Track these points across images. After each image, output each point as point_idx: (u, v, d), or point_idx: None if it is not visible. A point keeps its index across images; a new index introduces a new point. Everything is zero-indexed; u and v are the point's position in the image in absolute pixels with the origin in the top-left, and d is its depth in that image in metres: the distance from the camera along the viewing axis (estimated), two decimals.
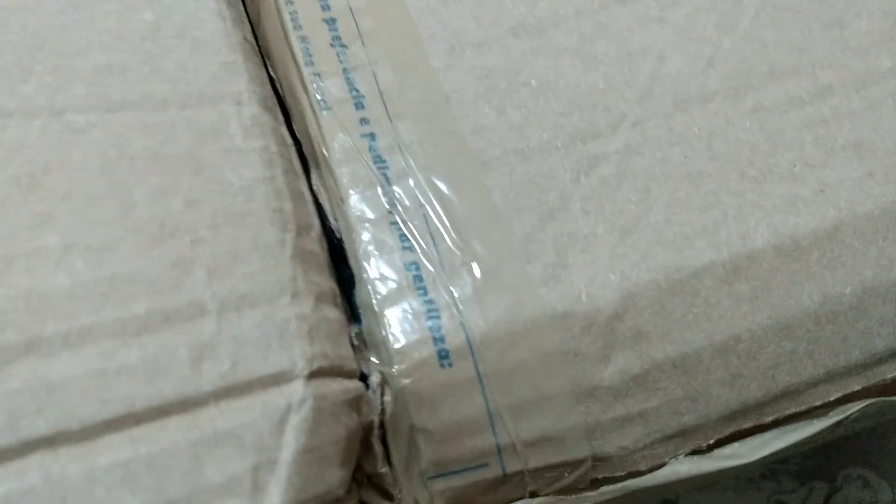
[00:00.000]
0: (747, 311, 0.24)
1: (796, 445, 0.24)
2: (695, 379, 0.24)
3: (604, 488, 0.24)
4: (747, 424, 0.24)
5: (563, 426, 0.23)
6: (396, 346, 0.23)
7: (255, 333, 0.22)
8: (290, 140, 0.26)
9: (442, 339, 0.23)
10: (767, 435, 0.24)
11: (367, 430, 0.24)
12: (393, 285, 0.24)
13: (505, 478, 0.24)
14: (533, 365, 0.23)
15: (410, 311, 0.24)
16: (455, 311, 0.23)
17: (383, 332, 0.23)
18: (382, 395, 0.24)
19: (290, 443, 0.21)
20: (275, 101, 0.27)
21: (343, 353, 0.23)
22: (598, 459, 0.24)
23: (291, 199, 0.24)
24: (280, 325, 0.22)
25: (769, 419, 0.24)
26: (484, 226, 0.24)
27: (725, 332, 0.24)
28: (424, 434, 0.23)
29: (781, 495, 0.51)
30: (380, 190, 0.25)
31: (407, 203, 0.25)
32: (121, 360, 0.21)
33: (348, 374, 0.23)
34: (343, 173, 0.25)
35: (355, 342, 0.24)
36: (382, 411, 0.23)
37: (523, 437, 0.23)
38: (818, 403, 0.24)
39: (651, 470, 0.24)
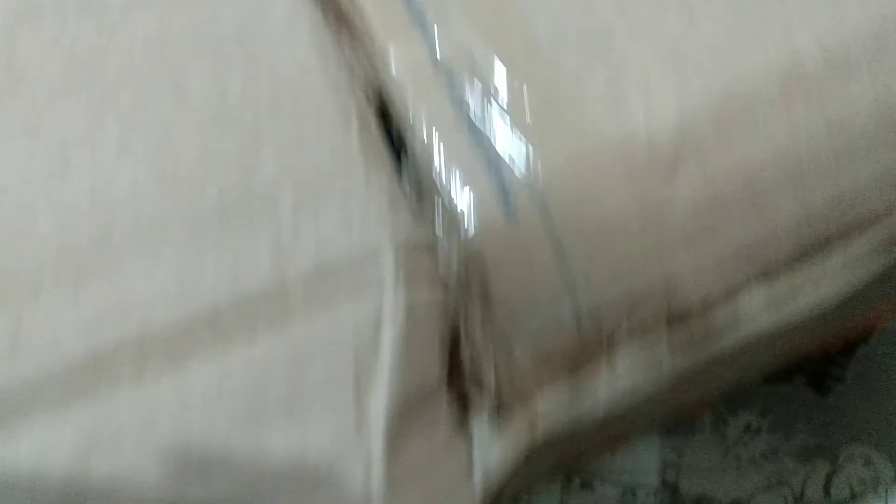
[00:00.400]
0: (803, 117, 0.24)
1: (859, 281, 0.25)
2: (759, 192, 0.24)
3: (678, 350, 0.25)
4: (810, 236, 0.25)
5: (633, 253, 0.24)
6: (459, 197, 0.23)
7: (333, 217, 0.21)
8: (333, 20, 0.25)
9: (506, 191, 0.23)
10: (833, 262, 0.25)
11: (455, 312, 0.23)
12: (451, 145, 0.24)
13: (581, 319, 0.24)
14: (599, 197, 0.23)
15: (471, 168, 0.23)
16: (517, 159, 0.23)
17: (445, 186, 0.23)
18: (452, 261, 0.23)
19: (386, 339, 0.21)
20: None
21: (421, 229, 0.23)
22: (670, 286, 0.24)
23: (348, 74, 0.23)
24: (359, 206, 0.21)
25: (831, 228, 0.25)
26: (532, 67, 0.24)
27: (785, 139, 0.24)
28: (498, 287, 0.23)
29: (783, 474, 0.52)
30: (419, 33, 0.25)
31: (450, 46, 0.24)
32: (197, 263, 0.20)
33: (430, 249, 0.23)
34: (378, 25, 0.25)
35: (419, 212, 0.24)
36: (456, 276, 0.23)
37: (595, 270, 0.24)
38: (878, 207, 0.25)
39: (727, 293, 0.25)
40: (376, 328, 0.20)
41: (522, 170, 0.23)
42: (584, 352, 0.24)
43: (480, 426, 0.23)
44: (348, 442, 0.19)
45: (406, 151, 0.24)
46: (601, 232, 0.24)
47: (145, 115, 0.21)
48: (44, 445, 0.18)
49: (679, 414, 0.47)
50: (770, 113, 0.24)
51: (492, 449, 0.23)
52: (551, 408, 0.24)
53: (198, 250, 0.20)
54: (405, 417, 0.20)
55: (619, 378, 0.24)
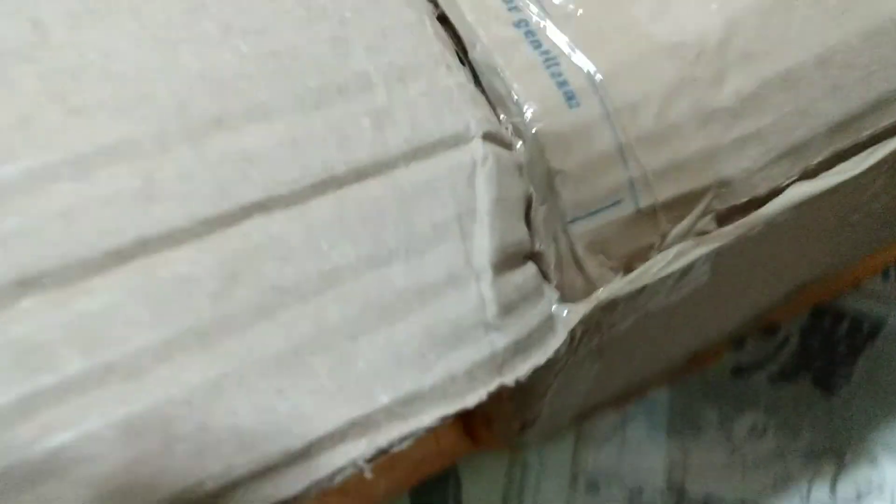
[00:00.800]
0: (839, 24, 0.26)
1: (890, 157, 0.26)
2: (801, 93, 0.25)
3: (727, 228, 0.25)
4: (848, 141, 0.26)
5: (688, 152, 0.25)
6: (523, 95, 0.24)
7: (423, 101, 0.22)
8: None
9: (565, 83, 0.24)
10: (866, 151, 0.26)
11: (529, 199, 0.24)
12: (507, 44, 0.25)
13: (638, 213, 0.25)
14: (654, 95, 0.25)
15: (529, 64, 0.25)
16: (572, 55, 0.25)
17: (507, 87, 0.24)
18: (516, 145, 0.24)
19: (482, 194, 0.22)
20: None
21: (499, 125, 0.24)
22: (721, 185, 0.25)
23: None
24: (445, 92, 0.23)
25: (866, 133, 0.26)
26: None
27: (823, 45, 0.26)
28: (561, 175, 0.24)
29: (789, 474, 0.52)
30: None
31: None
32: (308, 130, 0.21)
33: (507, 144, 0.24)
34: None
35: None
36: (523, 164, 0.24)
37: (653, 167, 0.24)
38: None
39: (769, 196, 0.25)
40: (471, 173, 0.22)
41: (581, 72, 0.25)
42: (640, 245, 0.25)
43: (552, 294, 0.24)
44: (461, 270, 0.21)
45: (468, 61, 0.25)
46: (657, 132, 0.25)
47: (241, 18, 0.22)
48: (187, 275, 0.19)
49: (695, 355, 0.47)
50: (809, 20, 0.26)
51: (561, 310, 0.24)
52: (607, 291, 0.24)
53: (306, 121, 0.21)
54: (504, 257, 0.22)
55: (671, 265, 0.24)
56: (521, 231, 0.23)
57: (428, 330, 0.20)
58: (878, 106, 0.26)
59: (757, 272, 0.32)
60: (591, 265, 0.25)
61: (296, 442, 0.18)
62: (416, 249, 0.21)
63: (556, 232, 0.24)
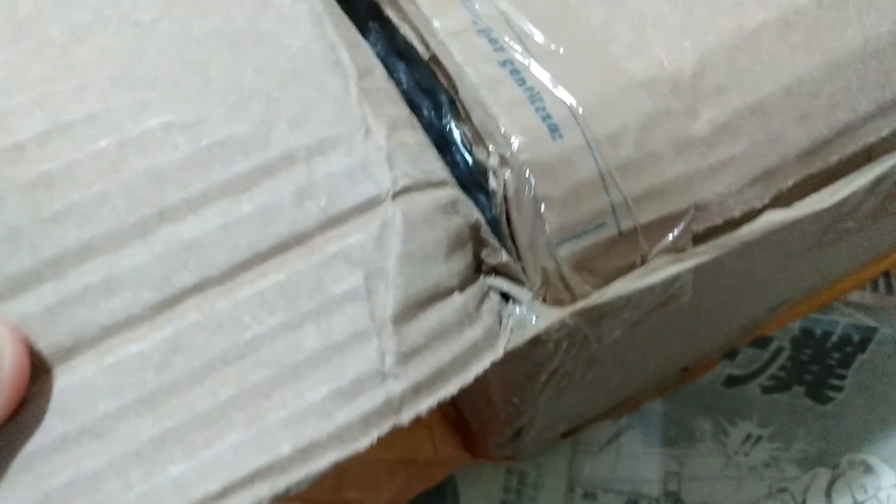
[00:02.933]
0: (803, 57, 0.27)
1: (865, 190, 0.27)
2: (771, 122, 0.27)
3: (702, 247, 0.27)
4: (818, 166, 0.28)
5: (666, 178, 0.26)
6: (509, 128, 0.26)
7: (341, 170, 0.25)
8: None
9: (549, 116, 0.26)
10: (838, 184, 0.28)
11: (474, 227, 0.26)
12: (494, 82, 0.26)
13: (620, 235, 0.26)
14: (632, 126, 0.26)
15: (515, 99, 0.26)
16: (554, 91, 0.26)
17: (495, 121, 0.26)
18: (503, 175, 0.26)
19: (390, 252, 0.24)
20: None
21: (427, 168, 0.26)
22: (698, 208, 0.27)
23: (346, 48, 0.27)
24: (360, 158, 0.25)
25: (834, 158, 0.28)
26: (562, 20, 0.27)
27: (789, 77, 0.27)
28: (547, 202, 0.26)
29: (784, 483, 0.53)
30: (461, 5, 0.28)
31: (487, 12, 0.28)
32: (237, 213, 0.24)
33: (437, 184, 0.26)
34: (425, 5, 0.28)
35: (469, 137, 0.27)
36: (505, 188, 0.26)
37: (633, 193, 0.26)
38: (873, 139, 0.28)
39: (744, 217, 0.27)
40: (379, 234, 0.24)
41: (563, 106, 0.26)
42: (622, 264, 0.27)
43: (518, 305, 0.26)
44: (364, 327, 0.23)
45: (459, 100, 0.27)
46: (636, 160, 0.26)
47: (180, 112, 0.25)
48: (138, 353, 0.24)
49: (686, 369, 0.48)
50: (776, 55, 0.28)
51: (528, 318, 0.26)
52: (588, 300, 0.26)
53: (235, 206, 0.24)
54: (411, 306, 0.24)
55: (649, 277, 0.26)
56: (437, 273, 0.25)
57: (330, 384, 0.23)
58: (845, 133, 0.28)
59: (739, 289, 0.34)
60: (576, 283, 0.26)
61: (214, 486, 0.21)
62: (326, 312, 0.23)
63: (544, 253, 0.26)
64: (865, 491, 0.53)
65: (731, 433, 0.55)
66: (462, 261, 0.26)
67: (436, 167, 0.26)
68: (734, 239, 0.27)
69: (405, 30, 0.28)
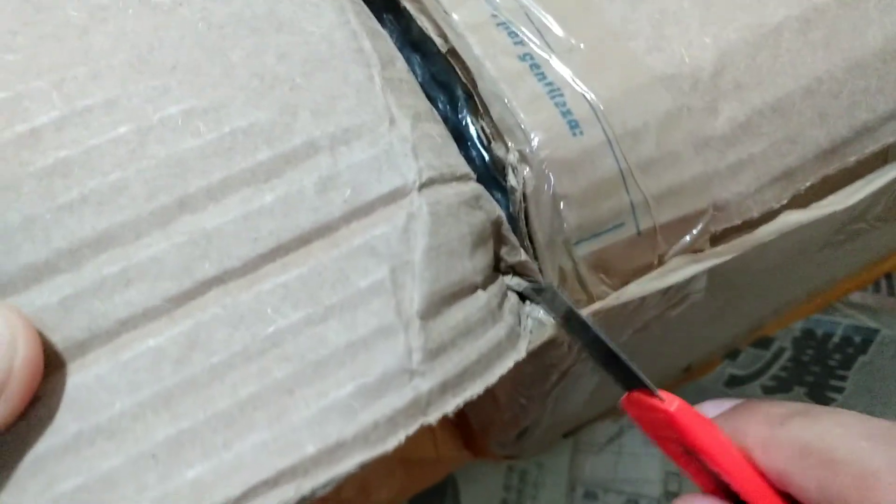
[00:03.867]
0: (823, 56, 0.27)
1: (881, 192, 0.27)
2: (790, 121, 0.27)
3: (719, 247, 0.27)
4: (836, 166, 0.27)
5: (685, 177, 0.26)
6: (529, 124, 0.26)
7: (365, 160, 0.24)
8: None
9: (569, 112, 0.26)
10: (855, 185, 0.28)
11: (496, 223, 0.25)
12: (514, 76, 0.26)
13: (639, 236, 0.26)
14: (652, 123, 0.26)
15: (535, 94, 0.26)
16: (575, 87, 0.26)
17: (514, 117, 0.26)
18: (522, 171, 0.26)
19: (416, 245, 0.23)
20: None
21: (451, 161, 0.25)
22: (717, 208, 0.26)
23: (369, 37, 0.26)
24: (385, 148, 0.24)
25: (853, 159, 0.27)
26: (582, 14, 0.27)
27: (808, 76, 0.27)
28: (566, 200, 0.25)
29: None
30: (486, 7, 0.27)
31: (507, 5, 0.27)
32: (259, 202, 0.23)
33: (461, 178, 0.25)
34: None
35: (488, 132, 0.27)
36: (524, 185, 0.25)
37: (653, 193, 0.26)
38: (892, 139, 0.28)
39: (762, 218, 0.27)
40: (405, 227, 0.23)
41: (584, 102, 0.26)
42: (639, 264, 0.27)
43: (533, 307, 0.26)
44: (390, 322, 0.22)
45: (477, 94, 0.27)
46: (657, 158, 0.26)
47: (201, 99, 0.24)
48: (155, 347, 0.23)
49: (688, 368, 0.48)
50: (796, 53, 0.28)
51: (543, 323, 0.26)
52: (606, 301, 0.25)
53: (257, 195, 0.23)
54: (437, 301, 0.23)
55: (666, 278, 0.26)
56: (462, 269, 0.24)
57: (356, 381, 0.22)
58: (863, 133, 0.27)
59: (749, 290, 0.33)
60: (593, 282, 0.26)
61: (235, 490, 0.20)
62: (350, 306, 0.22)
63: (561, 252, 0.26)
64: None
65: None
66: (485, 257, 0.25)
67: (459, 161, 0.26)
68: (752, 240, 0.27)
69: (423, 22, 0.27)
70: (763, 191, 0.27)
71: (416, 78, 0.29)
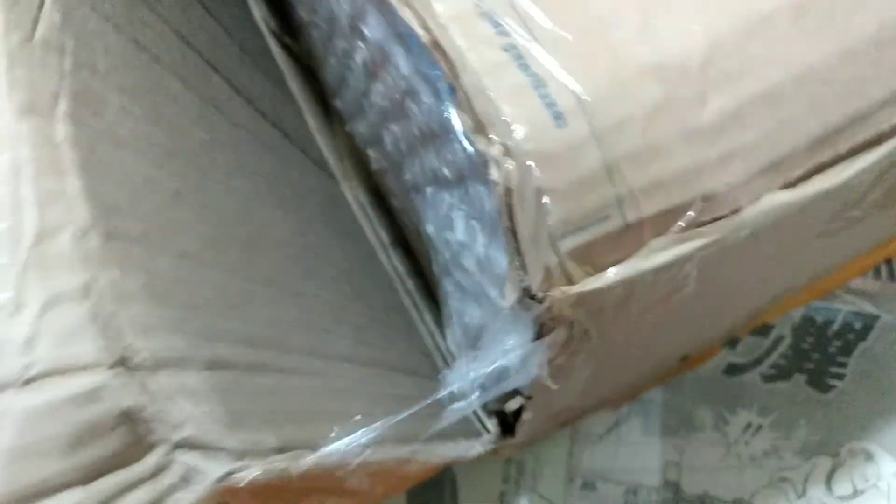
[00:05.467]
0: (815, 43, 0.27)
1: (870, 168, 0.27)
2: (781, 110, 0.26)
3: (707, 227, 0.26)
4: (828, 155, 0.27)
5: (673, 168, 0.26)
6: (512, 116, 0.25)
7: None
8: (61, 135, 0.27)
9: (553, 104, 0.25)
10: (843, 164, 0.27)
11: (126, 413, 0.24)
12: (496, 67, 0.26)
13: (626, 228, 0.26)
14: (639, 114, 0.25)
15: (518, 86, 0.25)
16: (559, 77, 0.26)
17: (497, 109, 0.25)
18: (506, 165, 0.25)
19: None
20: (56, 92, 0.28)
21: (75, 351, 0.23)
22: (706, 199, 0.26)
23: (37, 205, 0.25)
24: None
25: (845, 147, 0.27)
26: (568, 3, 0.27)
27: (801, 64, 0.27)
28: (551, 193, 0.25)
29: (784, 472, 0.52)
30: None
31: (493, 3, 0.27)
32: None
33: (81, 369, 0.23)
34: None
35: (471, 125, 0.26)
36: (508, 178, 0.25)
37: (639, 185, 0.25)
38: (885, 127, 0.27)
39: (751, 204, 0.26)
40: None
41: (568, 93, 0.26)
42: (626, 256, 0.26)
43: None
44: None
45: (459, 86, 0.26)
46: (643, 150, 0.26)
47: None
48: None
49: (686, 357, 0.48)
50: (788, 41, 0.27)
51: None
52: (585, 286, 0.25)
53: None
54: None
55: (651, 258, 0.26)
56: (49, 469, 0.23)
57: None
58: (856, 121, 0.27)
59: (744, 280, 0.33)
60: (579, 278, 0.26)
61: None
62: None
63: (546, 247, 0.25)
64: (866, 479, 0.53)
65: (731, 422, 0.55)
66: (95, 452, 0.23)
67: (91, 348, 0.23)
68: (737, 220, 0.26)
69: (406, 13, 0.27)
70: (753, 180, 0.26)
71: (401, 70, 0.28)
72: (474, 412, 0.34)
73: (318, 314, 0.34)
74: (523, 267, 0.25)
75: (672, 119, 0.25)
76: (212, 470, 0.23)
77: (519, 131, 0.25)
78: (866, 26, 0.27)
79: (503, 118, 0.25)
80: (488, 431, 0.35)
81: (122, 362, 0.23)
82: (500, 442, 0.36)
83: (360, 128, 0.41)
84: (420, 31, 0.26)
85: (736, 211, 0.26)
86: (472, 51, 0.25)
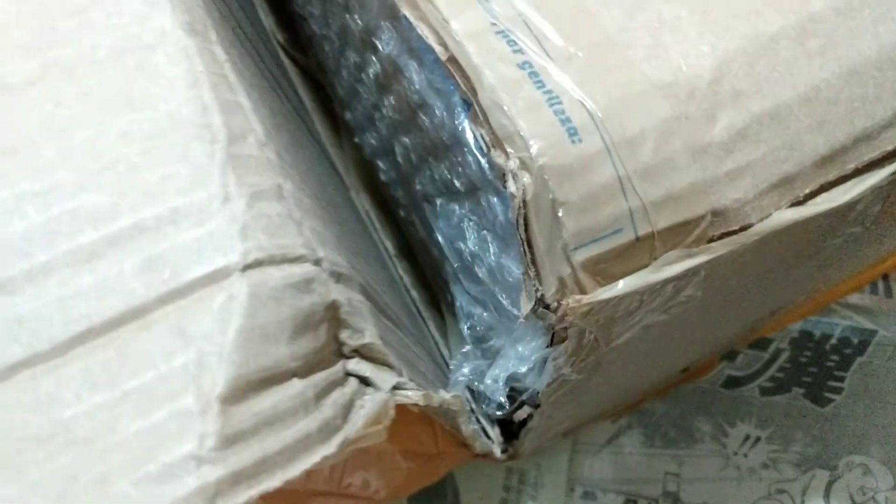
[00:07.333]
0: (820, 64, 0.27)
1: (875, 188, 0.27)
2: (788, 128, 0.27)
3: (715, 244, 0.27)
4: (834, 173, 0.28)
5: (684, 183, 0.26)
6: (528, 132, 0.26)
7: (189, 241, 0.24)
8: (222, 56, 0.28)
9: (568, 119, 0.26)
10: (851, 182, 0.28)
11: (331, 308, 0.25)
12: (513, 84, 0.26)
13: (637, 242, 0.26)
14: (650, 130, 0.26)
15: (534, 102, 0.26)
16: (573, 94, 0.26)
17: (514, 124, 0.26)
18: (522, 178, 0.26)
19: (229, 327, 0.23)
20: (205, 23, 0.29)
21: (284, 242, 0.25)
22: (715, 214, 0.27)
23: (220, 112, 0.26)
24: (212, 229, 0.24)
25: (851, 166, 0.28)
26: (580, 22, 0.27)
27: (807, 83, 0.27)
28: (565, 206, 0.26)
29: (782, 484, 0.53)
30: (479, 6, 0.27)
31: (506, 13, 0.27)
32: (76, 285, 0.23)
33: (294, 260, 0.24)
34: (442, 4, 0.28)
35: (487, 139, 0.27)
36: (524, 191, 0.26)
37: (651, 199, 0.26)
38: (890, 147, 0.28)
39: (759, 220, 0.27)
40: (222, 308, 0.23)
41: (582, 110, 0.26)
42: (636, 269, 0.27)
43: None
44: (188, 406, 0.22)
45: (476, 101, 0.27)
46: (655, 165, 0.26)
47: (35, 182, 0.24)
48: None
49: (686, 369, 0.48)
50: (793, 62, 0.28)
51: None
52: (597, 296, 0.26)
53: (76, 276, 0.23)
54: (243, 386, 0.22)
55: (661, 271, 0.26)
56: (277, 354, 0.23)
57: (139, 470, 0.21)
58: (862, 140, 0.28)
59: (746, 293, 0.34)
60: (591, 288, 0.26)
61: None
62: (148, 390, 0.22)
63: (560, 258, 0.26)
64: (863, 493, 0.53)
65: (730, 434, 0.55)
66: (310, 344, 0.24)
67: (295, 241, 0.25)
68: (745, 236, 0.27)
69: (422, 30, 0.27)
70: (761, 197, 0.27)
71: (414, 85, 0.29)
72: (478, 420, 0.35)
73: None
74: (538, 277, 0.26)
75: (682, 135, 0.26)
76: (382, 381, 0.25)
77: (535, 146, 0.25)
78: (868, 49, 0.27)
79: (520, 133, 0.25)
80: (492, 440, 0.36)
81: (318, 263, 0.25)
82: (504, 448, 0.36)
83: (370, 139, 0.42)
84: (438, 48, 0.27)
85: (745, 227, 0.27)
86: (489, 67, 0.26)
